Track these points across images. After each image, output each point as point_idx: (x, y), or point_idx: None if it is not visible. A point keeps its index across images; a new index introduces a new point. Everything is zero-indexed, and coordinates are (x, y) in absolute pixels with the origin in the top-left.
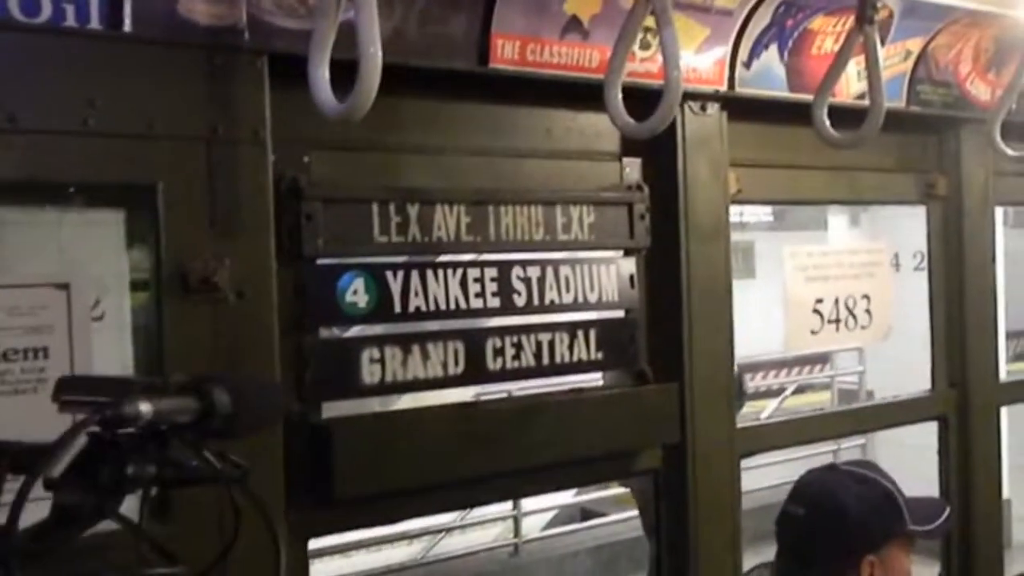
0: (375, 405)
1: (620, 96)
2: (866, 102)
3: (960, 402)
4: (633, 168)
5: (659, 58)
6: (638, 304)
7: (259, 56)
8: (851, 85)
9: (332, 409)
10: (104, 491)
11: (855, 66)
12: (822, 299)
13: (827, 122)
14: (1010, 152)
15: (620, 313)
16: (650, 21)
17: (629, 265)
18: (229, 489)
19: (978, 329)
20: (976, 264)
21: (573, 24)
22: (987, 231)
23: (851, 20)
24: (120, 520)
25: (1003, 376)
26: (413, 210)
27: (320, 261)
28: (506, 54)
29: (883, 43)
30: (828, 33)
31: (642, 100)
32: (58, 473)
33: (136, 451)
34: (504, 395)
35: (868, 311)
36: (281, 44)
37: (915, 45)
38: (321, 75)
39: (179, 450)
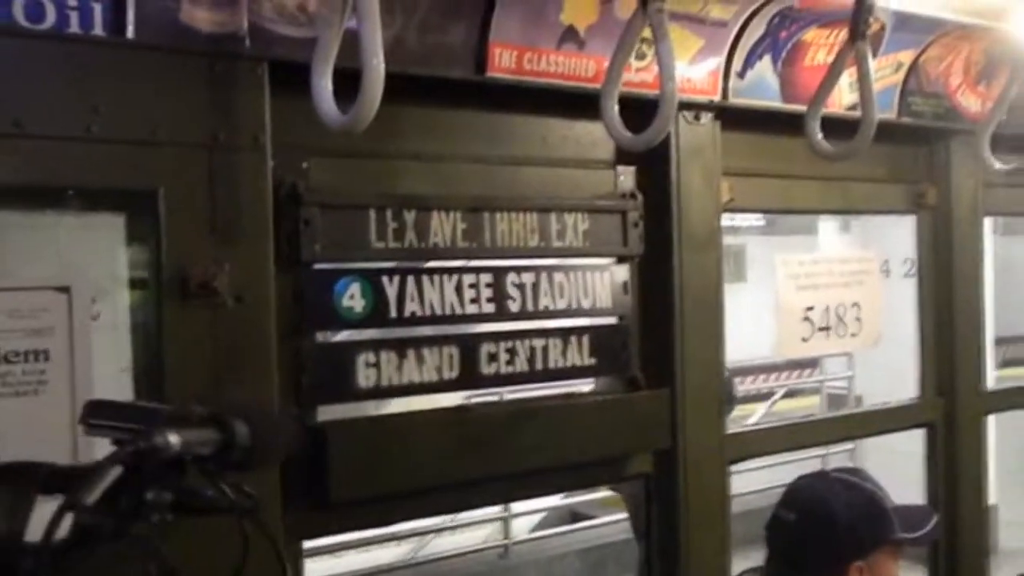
0: (370, 409)
1: (616, 109)
2: (858, 112)
3: (947, 410)
4: (627, 176)
5: (654, 68)
6: (630, 311)
7: (260, 63)
8: (843, 96)
9: (328, 412)
10: (123, 515)
11: (847, 77)
12: (812, 307)
13: (819, 134)
14: (997, 165)
15: (613, 320)
16: (646, 31)
17: (622, 272)
18: (241, 519)
19: (965, 338)
20: (964, 274)
21: (570, 34)
22: (976, 241)
23: (844, 32)
24: (137, 544)
25: (990, 384)
26: (410, 216)
27: (318, 266)
28: (503, 63)
29: (875, 55)
30: (821, 45)
31: (637, 110)
32: (93, 501)
33: (155, 478)
34: (496, 399)
35: (858, 318)
36: (282, 51)
37: (906, 57)
38: (324, 86)
39: (196, 479)
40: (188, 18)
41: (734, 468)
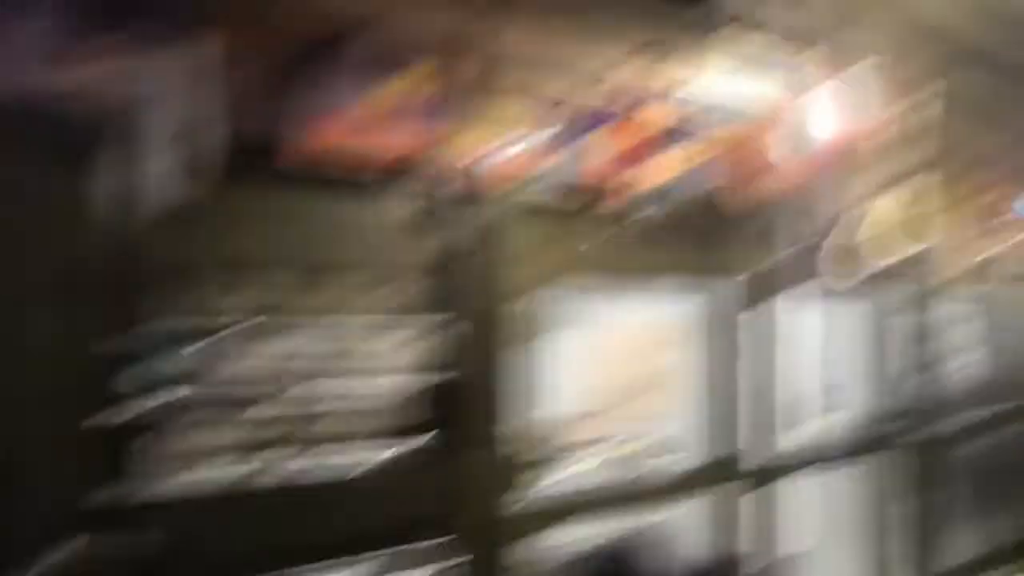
0: (176, 480)
1: (424, 191)
2: (660, 195)
3: (738, 473)
4: (444, 247)
5: (458, 151)
6: (445, 376)
7: (93, 128)
8: (644, 179)
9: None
10: None
11: (648, 163)
12: (621, 372)
13: (618, 218)
14: (783, 250)
15: (427, 383)
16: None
17: (438, 338)
18: None
19: (756, 404)
20: (755, 343)
21: (379, 119)
22: (766, 314)
23: (646, 124)
24: None
25: (786, 446)
26: (231, 284)
27: (127, 332)
28: (315, 144)
29: (675, 143)
30: (622, 135)
31: (447, 188)
32: None
33: None
34: (302, 468)
35: (664, 383)
36: (113, 117)
37: (702, 146)
38: (151, 164)
39: None
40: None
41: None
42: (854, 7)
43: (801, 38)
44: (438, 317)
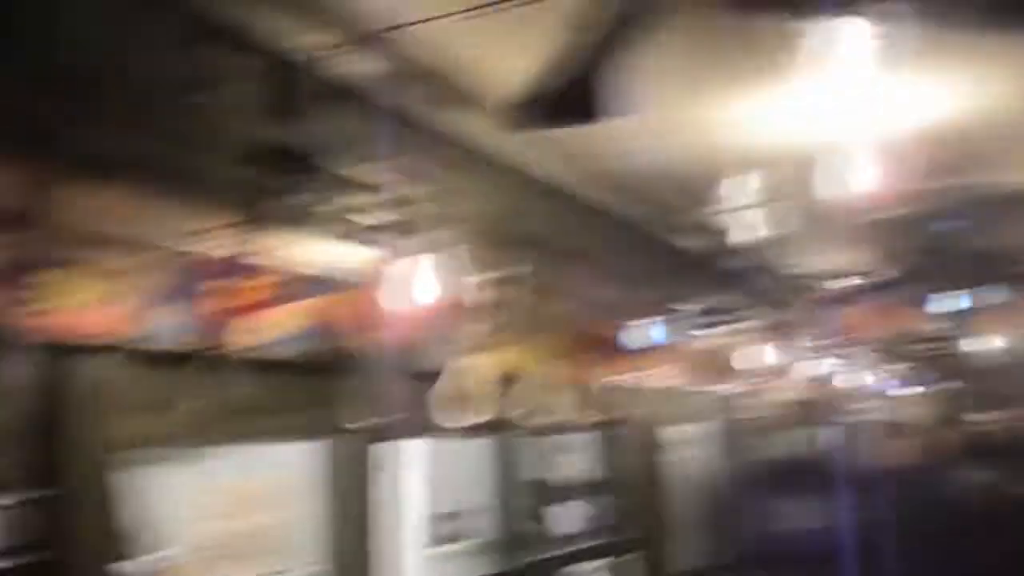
0: None
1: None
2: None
3: None
4: (25, 415)
5: (37, 315)
6: (18, 557)
7: None
8: (250, 338)
9: None
10: None
11: (253, 322)
12: (237, 523)
13: (225, 375)
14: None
15: (19, 560)
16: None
17: (28, 511)
18: None
19: (378, 544)
20: (373, 486)
21: None
22: (385, 458)
23: (250, 286)
24: None
25: None
26: None
27: None
28: None
29: (288, 301)
30: (237, 290)
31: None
32: None
33: None
34: None
35: (274, 538)
36: None
37: (314, 306)
38: None
39: None
40: None
41: None
42: (439, 198)
43: (395, 216)
44: (26, 489)
